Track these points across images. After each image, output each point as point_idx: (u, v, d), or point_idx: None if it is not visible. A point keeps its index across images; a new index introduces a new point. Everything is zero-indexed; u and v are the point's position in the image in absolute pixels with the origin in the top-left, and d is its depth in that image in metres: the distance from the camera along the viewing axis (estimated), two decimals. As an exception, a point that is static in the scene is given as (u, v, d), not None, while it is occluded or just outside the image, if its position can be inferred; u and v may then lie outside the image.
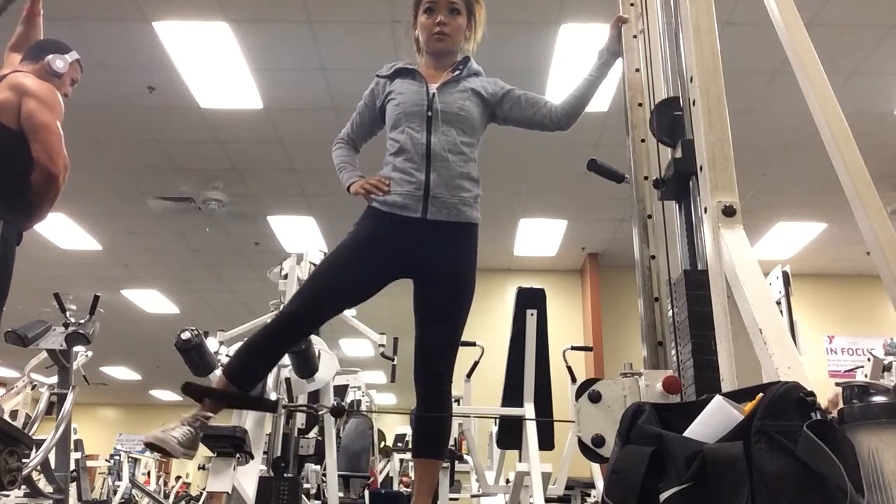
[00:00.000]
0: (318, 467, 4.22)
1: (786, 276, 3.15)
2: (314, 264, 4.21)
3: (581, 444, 1.56)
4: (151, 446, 1.93)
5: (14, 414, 5.06)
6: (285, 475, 3.54)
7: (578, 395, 1.61)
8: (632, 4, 2.20)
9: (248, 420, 2.91)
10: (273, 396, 3.44)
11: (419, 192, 2.15)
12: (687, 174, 1.62)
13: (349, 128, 2.43)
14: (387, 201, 2.17)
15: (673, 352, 1.59)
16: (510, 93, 2.33)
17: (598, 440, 1.53)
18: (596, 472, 3.97)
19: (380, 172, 2.24)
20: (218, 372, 3.38)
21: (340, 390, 5.63)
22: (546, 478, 3.33)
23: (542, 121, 2.31)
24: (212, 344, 3.45)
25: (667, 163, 1.78)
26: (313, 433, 4.15)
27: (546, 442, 3.55)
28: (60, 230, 7.71)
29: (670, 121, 1.76)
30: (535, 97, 2.34)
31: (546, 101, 2.32)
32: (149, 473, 11.28)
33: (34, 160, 2.72)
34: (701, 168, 1.33)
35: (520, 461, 3.45)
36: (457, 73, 2.29)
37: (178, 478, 12.82)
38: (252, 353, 2.15)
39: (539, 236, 8.13)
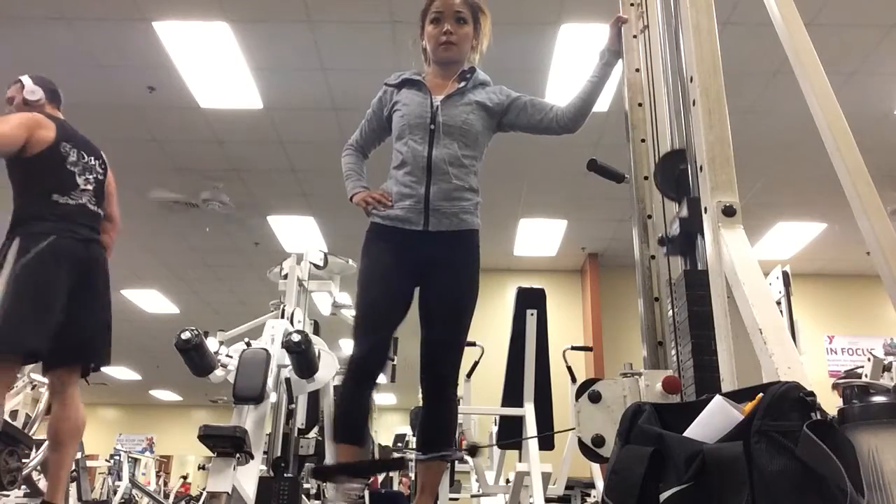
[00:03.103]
0: (318, 467, 4.21)
1: (786, 276, 3.15)
2: (314, 264, 4.21)
3: (581, 444, 1.56)
4: None
5: (14, 414, 5.05)
6: (285, 475, 3.54)
7: (578, 395, 1.61)
8: (632, 4, 2.20)
9: (248, 420, 2.91)
10: (273, 397, 3.44)
11: (420, 206, 2.16)
12: (694, 234, 1.58)
13: (358, 134, 2.45)
14: (389, 215, 2.19)
15: (673, 352, 1.59)
16: (516, 100, 2.33)
17: (598, 440, 1.53)
18: (596, 472, 3.97)
19: (382, 186, 2.27)
20: (219, 372, 3.39)
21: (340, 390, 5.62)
22: (546, 478, 3.33)
23: (550, 125, 2.31)
24: (212, 344, 3.45)
25: (671, 218, 1.75)
26: (313, 433, 4.15)
27: (546, 442, 3.55)
28: (60, 230, 7.71)
29: (675, 176, 1.72)
30: (541, 102, 2.34)
31: (552, 105, 2.32)
32: (157, 473, 11.28)
33: None
34: (701, 168, 1.33)
35: (520, 461, 3.45)
36: (463, 83, 2.29)
37: (184, 477, 12.78)
38: (348, 407, 2.19)
39: (539, 236, 8.13)
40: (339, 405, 2.25)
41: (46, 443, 3.35)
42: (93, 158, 3.02)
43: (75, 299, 2.78)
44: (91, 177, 2.98)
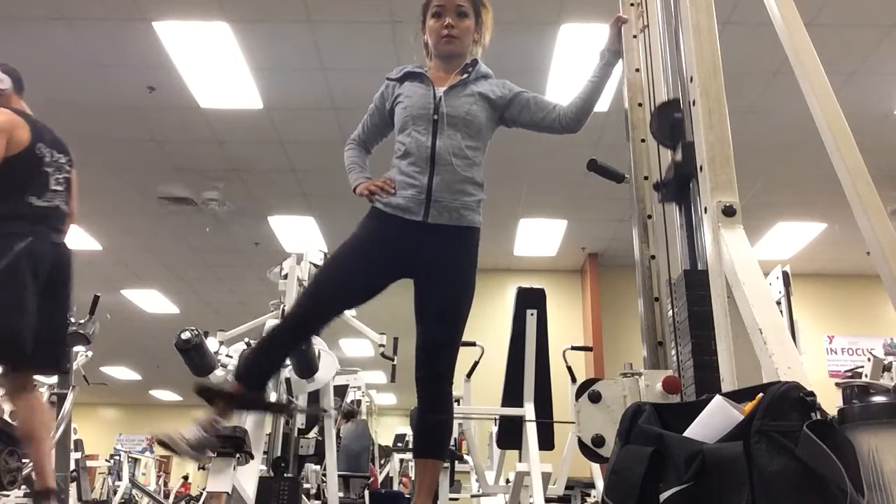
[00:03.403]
0: (318, 467, 4.22)
1: (786, 276, 3.15)
2: (314, 264, 4.21)
3: (581, 444, 1.56)
4: (159, 442, 1.98)
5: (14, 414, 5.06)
6: (285, 475, 3.54)
7: (578, 395, 1.61)
8: (632, 4, 2.20)
9: (248, 420, 2.91)
10: (273, 397, 3.43)
11: (421, 196, 2.16)
12: (687, 177, 1.61)
13: (360, 129, 2.45)
14: (390, 203, 2.18)
15: (673, 352, 1.59)
16: (519, 96, 2.33)
17: (598, 440, 1.53)
18: (596, 472, 3.97)
19: (385, 175, 2.26)
20: (219, 372, 3.39)
21: (340, 390, 5.63)
22: (546, 478, 3.33)
23: (552, 124, 2.31)
24: (212, 344, 3.45)
25: (667, 165, 1.77)
26: (313, 433, 4.15)
27: (546, 442, 3.55)
28: (60, 230, 7.70)
29: (671, 123, 1.75)
30: (544, 100, 2.34)
31: (555, 104, 2.32)
32: (157, 473, 11.25)
33: None
34: (701, 168, 1.33)
35: (520, 461, 3.45)
36: (465, 75, 2.29)
37: (184, 477, 12.78)
38: (260, 354, 2.20)
39: (539, 236, 8.13)
40: (253, 352, 2.24)
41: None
42: (62, 156, 2.97)
43: (44, 302, 2.77)
44: (61, 176, 2.94)
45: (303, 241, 7.60)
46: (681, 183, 1.65)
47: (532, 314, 3.55)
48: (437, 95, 2.24)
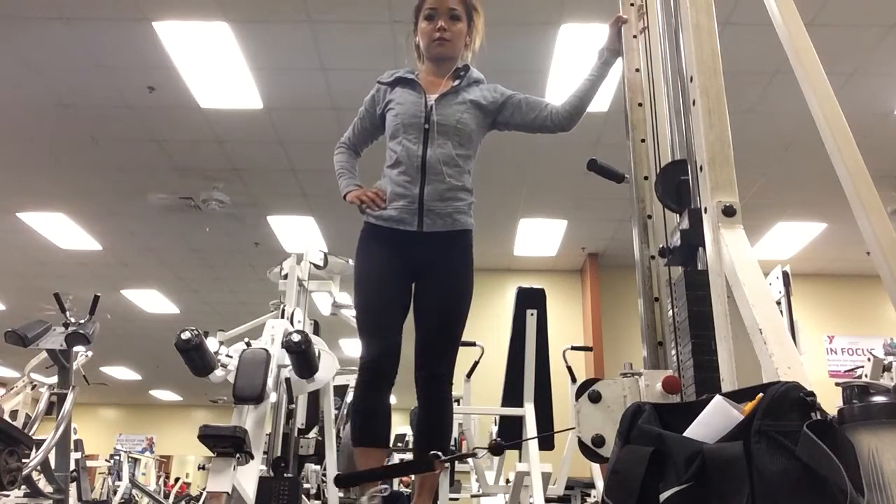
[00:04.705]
0: (318, 467, 4.21)
1: (786, 276, 3.16)
2: (314, 264, 4.21)
3: (581, 444, 1.56)
4: None
5: (14, 414, 5.06)
6: (285, 475, 3.54)
7: (578, 395, 1.61)
8: (632, 4, 2.20)
9: (248, 420, 2.91)
10: (273, 397, 3.43)
11: (413, 206, 2.17)
12: (695, 245, 1.58)
13: (351, 132, 2.45)
14: (382, 216, 2.20)
15: (673, 352, 1.59)
16: (511, 98, 2.34)
17: (598, 440, 1.53)
18: (596, 472, 3.97)
19: (376, 184, 2.27)
20: (219, 372, 3.39)
21: (340, 390, 5.62)
22: (546, 478, 3.33)
23: (545, 123, 2.31)
24: (212, 344, 3.44)
25: (672, 229, 1.74)
26: (313, 433, 4.15)
27: (546, 442, 3.55)
28: (60, 230, 7.70)
29: (676, 186, 1.71)
30: (535, 100, 2.34)
31: (547, 103, 2.32)
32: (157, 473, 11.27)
33: None
34: (701, 168, 1.33)
35: (520, 461, 3.45)
36: (457, 81, 2.30)
37: (177, 479, 12.82)
38: (367, 412, 2.19)
39: (539, 236, 8.13)
40: (356, 410, 2.21)
41: (46, 442, 3.35)
42: None
43: None
44: None
45: (303, 241, 7.61)
46: (688, 249, 1.61)
47: (532, 314, 3.55)
48: (429, 104, 2.25)
